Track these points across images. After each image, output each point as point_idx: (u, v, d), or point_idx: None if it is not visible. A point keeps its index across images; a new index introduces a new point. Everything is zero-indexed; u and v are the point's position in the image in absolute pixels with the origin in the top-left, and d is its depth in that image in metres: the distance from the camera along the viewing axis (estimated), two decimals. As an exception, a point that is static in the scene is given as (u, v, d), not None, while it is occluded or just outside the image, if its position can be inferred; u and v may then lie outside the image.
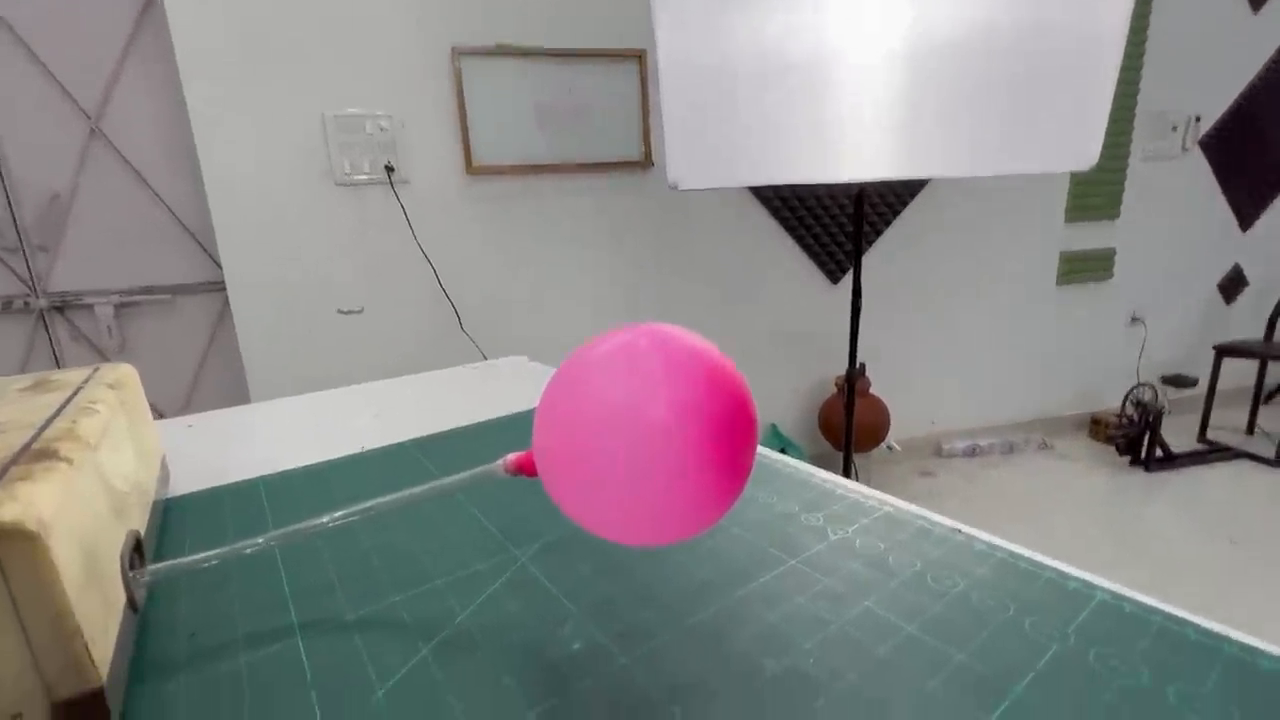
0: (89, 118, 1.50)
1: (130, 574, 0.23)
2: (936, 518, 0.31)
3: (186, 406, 1.70)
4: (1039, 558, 0.27)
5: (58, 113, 1.47)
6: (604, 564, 0.28)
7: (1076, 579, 0.25)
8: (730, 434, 0.21)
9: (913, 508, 0.32)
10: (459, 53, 1.62)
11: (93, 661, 0.18)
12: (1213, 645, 0.21)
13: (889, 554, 0.28)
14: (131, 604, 0.23)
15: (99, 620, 0.19)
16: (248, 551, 0.24)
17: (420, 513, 0.33)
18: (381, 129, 1.60)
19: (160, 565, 0.24)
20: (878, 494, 0.33)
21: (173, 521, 0.34)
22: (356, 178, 1.60)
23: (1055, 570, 0.26)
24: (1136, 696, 0.19)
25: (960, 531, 0.29)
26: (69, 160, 1.51)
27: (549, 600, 0.26)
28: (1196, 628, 0.22)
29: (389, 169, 1.62)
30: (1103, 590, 0.24)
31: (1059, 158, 0.94)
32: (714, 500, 0.22)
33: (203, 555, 0.24)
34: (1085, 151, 0.93)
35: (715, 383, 0.21)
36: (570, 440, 0.21)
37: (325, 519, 0.24)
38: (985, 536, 0.29)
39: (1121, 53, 0.88)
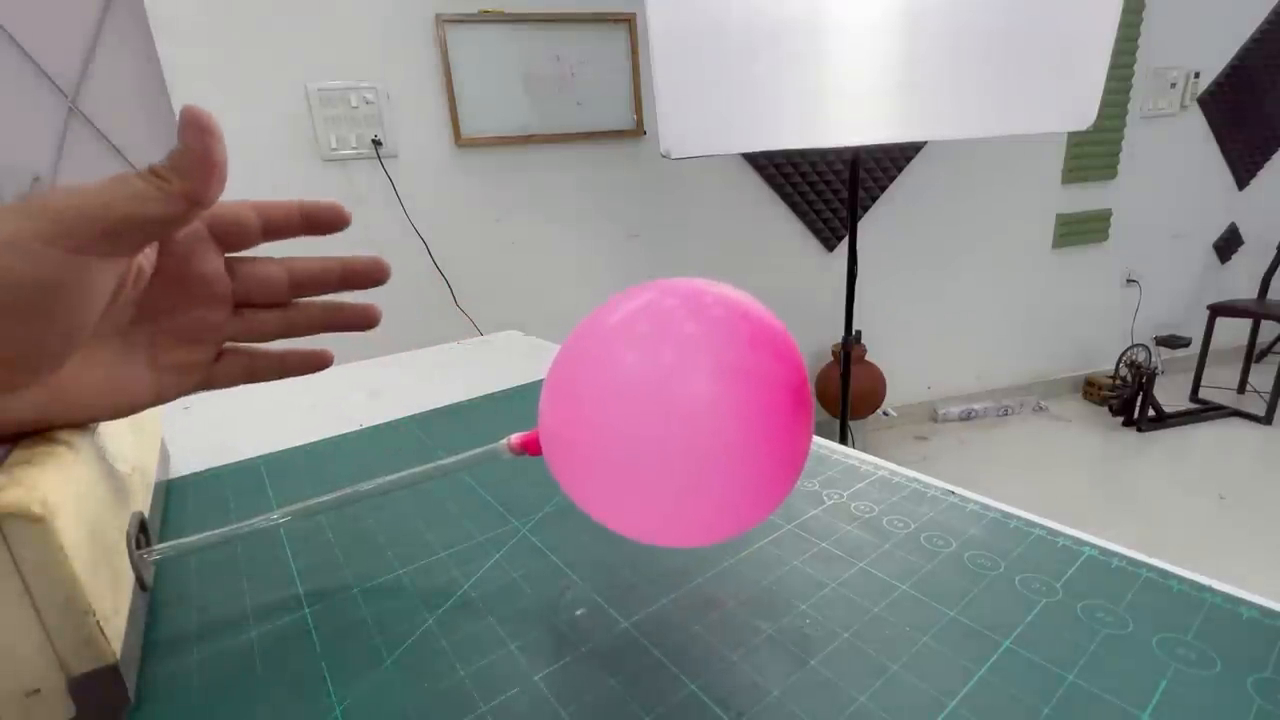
0: (66, 96, 1.46)
1: (137, 554, 0.23)
2: (930, 480, 0.31)
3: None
4: (1030, 516, 0.27)
5: (33, 92, 1.43)
6: (602, 532, 0.28)
7: (1065, 536, 0.26)
8: (789, 406, 0.17)
9: (908, 471, 0.32)
10: (443, 20, 1.57)
11: (105, 638, 0.18)
12: (1195, 596, 0.22)
13: (883, 517, 0.28)
14: (140, 583, 0.23)
15: (109, 599, 0.19)
16: (254, 528, 0.24)
17: (421, 488, 0.34)
18: (367, 101, 1.57)
19: (166, 545, 0.24)
20: (872, 459, 0.34)
21: (175, 503, 0.35)
22: (343, 152, 1.58)
23: (1045, 528, 0.26)
24: (1121, 645, 0.20)
25: (953, 493, 0.30)
26: (48, 141, 1.47)
27: (550, 568, 0.26)
28: (1180, 579, 0.23)
29: (376, 142, 1.59)
30: (1090, 546, 0.25)
31: (1056, 118, 0.93)
32: (766, 490, 0.18)
33: (209, 534, 0.24)
34: (1082, 111, 0.92)
35: (764, 344, 0.17)
36: (588, 426, 0.18)
37: (332, 495, 0.24)
38: (977, 497, 0.29)
39: (1119, 11, 0.86)
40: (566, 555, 0.27)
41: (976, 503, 0.29)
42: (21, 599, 0.16)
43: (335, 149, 1.57)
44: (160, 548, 0.24)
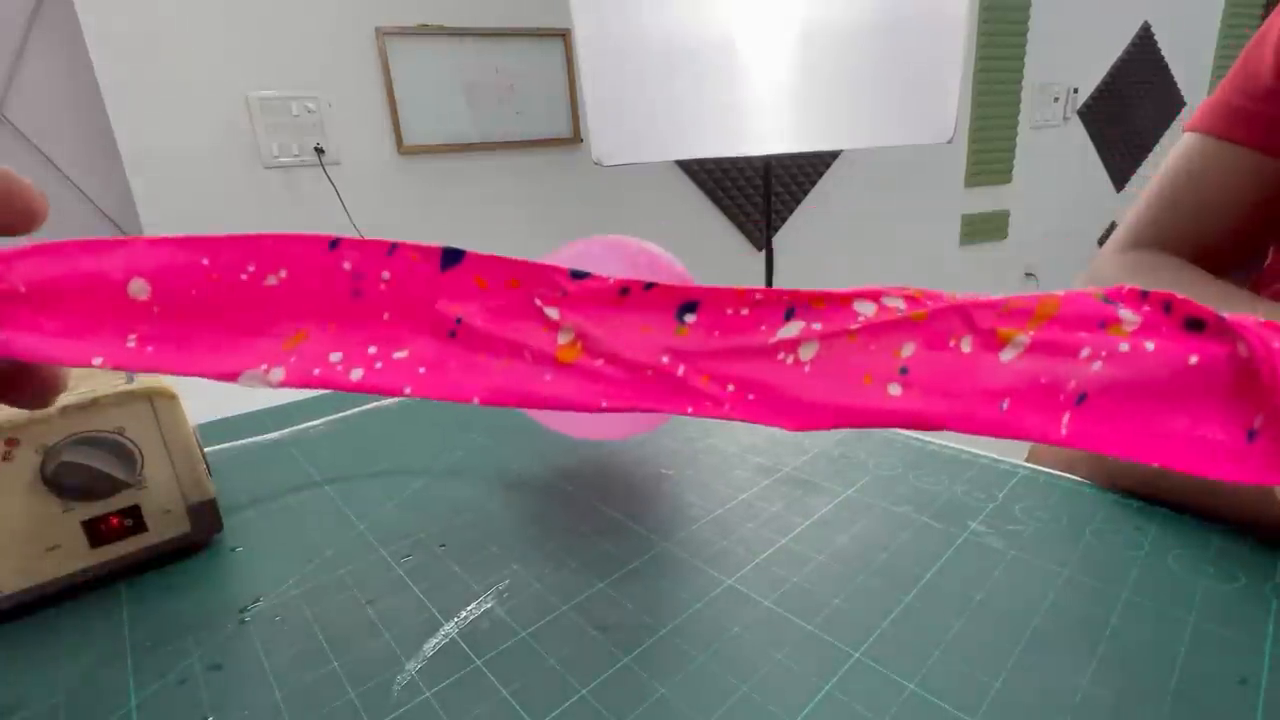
0: (-7, 104, 1.45)
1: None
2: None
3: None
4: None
5: (-43, 99, 1.42)
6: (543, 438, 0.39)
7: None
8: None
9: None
10: (383, 33, 1.64)
11: (209, 479, 0.27)
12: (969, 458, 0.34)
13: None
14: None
15: (203, 460, 0.28)
16: (292, 435, 0.34)
17: (399, 416, 0.43)
18: (309, 110, 1.61)
19: (221, 446, 0.33)
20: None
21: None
22: (284, 160, 1.61)
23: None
24: (929, 499, 0.32)
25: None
26: (-26, 149, 1.46)
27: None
28: (973, 453, 0.35)
29: (319, 150, 1.63)
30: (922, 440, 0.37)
31: (921, 132, 1.10)
32: None
33: (249, 440, 0.33)
34: (942, 127, 1.09)
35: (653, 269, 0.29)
36: None
37: (338, 415, 0.34)
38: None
39: (961, 40, 1.03)
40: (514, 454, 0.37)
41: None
42: (161, 448, 0.26)
43: (277, 156, 1.60)
44: (214, 449, 0.33)
